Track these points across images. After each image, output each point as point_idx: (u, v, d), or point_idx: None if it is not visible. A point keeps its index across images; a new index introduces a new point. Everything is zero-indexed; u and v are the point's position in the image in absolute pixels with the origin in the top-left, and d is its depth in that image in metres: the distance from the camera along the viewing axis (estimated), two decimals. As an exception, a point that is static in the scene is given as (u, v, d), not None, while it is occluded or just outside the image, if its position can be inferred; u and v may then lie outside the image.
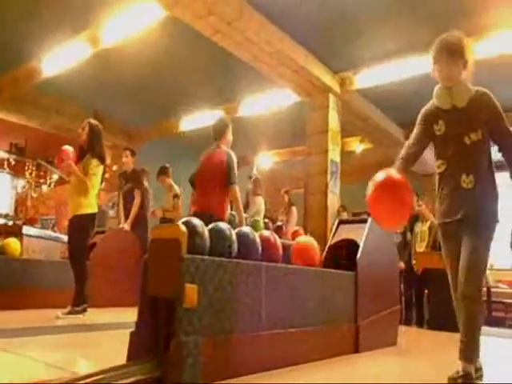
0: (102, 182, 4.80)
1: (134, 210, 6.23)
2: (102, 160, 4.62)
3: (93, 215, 4.56)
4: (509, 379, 2.74)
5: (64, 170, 4.64)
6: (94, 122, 4.80)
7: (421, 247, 6.30)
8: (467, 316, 2.30)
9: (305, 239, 3.31)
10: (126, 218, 6.45)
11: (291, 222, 6.39)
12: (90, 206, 4.51)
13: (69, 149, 4.62)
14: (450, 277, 2.49)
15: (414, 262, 6.37)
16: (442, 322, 3.72)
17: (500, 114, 2.43)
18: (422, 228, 6.41)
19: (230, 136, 4.28)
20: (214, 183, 3.88)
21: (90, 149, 4.61)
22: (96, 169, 4.55)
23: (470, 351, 2.28)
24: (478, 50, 5.58)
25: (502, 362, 3.65)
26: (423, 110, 2.61)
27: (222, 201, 3.87)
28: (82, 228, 4.49)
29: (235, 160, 4.06)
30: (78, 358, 2.74)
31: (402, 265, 6.04)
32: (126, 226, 6.23)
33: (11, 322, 3.92)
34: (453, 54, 2.40)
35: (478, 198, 2.37)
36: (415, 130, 2.61)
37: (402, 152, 2.58)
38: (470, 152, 2.40)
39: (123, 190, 6.68)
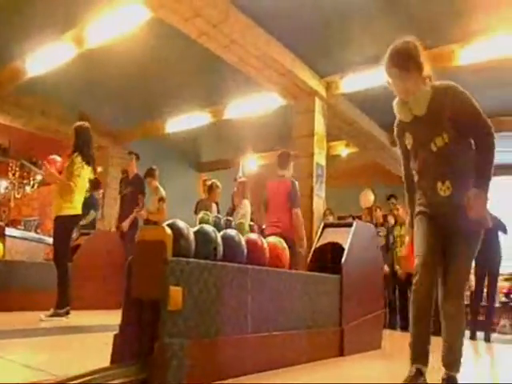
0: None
1: (138, 213, 6.40)
2: (87, 161, 4.55)
3: (75, 217, 4.52)
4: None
5: (48, 179, 4.61)
6: (79, 123, 4.76)
7: (402, 252, 6.38)
8: (454, 328, 2.30)
9: (273, 239, 3.25)
10: (121, 219, 6.53)
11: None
12: (72, 207, 4.46)
13: (56, 158, 4.61)
14: (421, 254, 2.30)
15: (397, 267, 6.43)
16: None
17: (469, 105, 2.22)
18: (400, 232, 6.48)
19: (292, 167, 5.09)
20: (285, 208, 4.73)
21: (75, 149, 4.56)
22: (80, 170, 4.47)
23: (453, 358, 2.29)
24: (465, 55, 5.70)
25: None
26: (395, 125, 2.54)
27: (291, 223, 4.70)
28: (63, 229, 4.45)
29: (297, 187, 4.91)
30: (61, 360, 2.70)
31: (386, 268, 6.09)
32: (125, 224, 6.27)
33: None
34: (404, 67, 2.23)
35: (459, 205, 2.18)
36: (398, 146, 2.58)
37: (405, 183, 2.57)
38: (439, 159, 2.27)
39: (124, 193, 6.74)
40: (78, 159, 4.49)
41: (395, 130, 2.54)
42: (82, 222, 7.07)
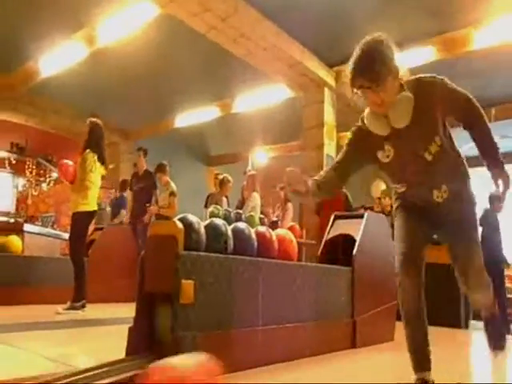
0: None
1: (156, 207, 6.43)
2: (100, 157, 4.61)
3: (90, 213, 4.60)
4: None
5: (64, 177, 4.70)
6: (93, 120, 4.81)
7: None
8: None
9: (282, 231, 3.26)
10: (133, 214, 6.63)
11: (286, 219, 6.41)
12: (88, 203, 4.53)
13: (68, 163, 4.67)
14: (402, 249, 2.06)
15: None
16: (439, 316, 3.74)
17: (458, 92, 1.97)
18: None
19: None
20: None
21: (87, 146, 4.62)
22: (93, 165, 4.53)
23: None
24: (477, 39, 5.61)
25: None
26: (354, 129, 2.17)
27: None
28: (80, 225, 4.54)
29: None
30: (78, 352, 2.77)
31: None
32: (147, 217, 6.43)
33: (13, 317, 3.97)
34: (376, 77, 1.82)
35: (455, 200, 2.04)
36: (340, 155, 2.18)
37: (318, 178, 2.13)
38: (435, 166, 2.00)
39: (135, 189, 6.84)
40: (90, 155, 4.54)
41: (351, 135, 2.16)
42: (115, 221, 7.25)
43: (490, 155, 1.97)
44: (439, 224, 2.13)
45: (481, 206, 5.75)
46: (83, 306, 4.39)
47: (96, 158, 4.57)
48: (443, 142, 1.98)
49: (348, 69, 1.91)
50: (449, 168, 2.04)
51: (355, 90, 1.90)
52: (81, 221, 4.53)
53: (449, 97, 1.96)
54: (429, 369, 2.07)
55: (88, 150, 4.58)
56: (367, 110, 2.04)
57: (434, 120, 1.95)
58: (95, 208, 4.66)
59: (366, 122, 2.05)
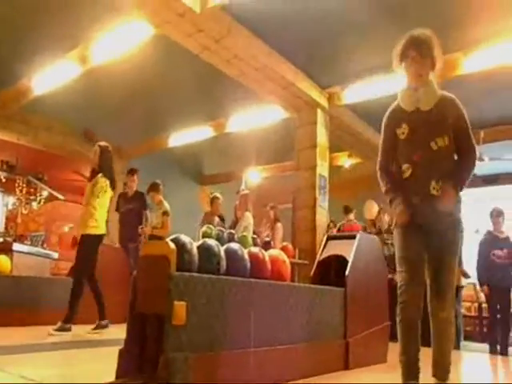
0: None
1: (142, 230, 6.34)
2: (111, 183, 4.72)
3: (99, 236, 4.64)
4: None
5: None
6: (103, 144, 4.88)
7: None
8: (447, 337, 2.29)
9: (275, 252, 3.26)
10: (123, 237, 6.51)
11: (277, 238, 6.40)
12: (97, 226, 4.58)
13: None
14: (407, 271, 2.26)
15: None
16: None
17: (466, 123, 2.33)
18: None
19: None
20: None
21: (100, 170, 4.70)
22: (101, 191, 4.61)
23: (446, 369, 2.28)
24: (468, 63, 5.70)
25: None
26: (386, 113, 2.50)
27: None
28: (87, 248, 4.56)
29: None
30: (68, 375, 2.72)
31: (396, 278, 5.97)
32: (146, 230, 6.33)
33: (3, 339, 3.89)
34: (421, 50, 2.29)
35: (443, 208, 2.22)
36: (383, 137, 2.51)
37: (385, 178, 2.46)
38: (437, 158, 2.27)
39: (123, 210, 6.73)
40: (103, 180, 4.64)
41: (387, 118, 2.48)
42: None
43: (459, 178, 2.30)
44: (429, 238, 2.31)
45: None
46: (69, 330, 4.32)
47: (108, 183, 4.68)
48: (449, 145, 2.29)
49: (399, 45, 2.38)
50: (447, 169, 2.28)
51: (400, 64, 2.36)
52: (88, 243, 4.57)
53: (458, 118, 2.31)
54: (418, 378, 2.21)
55: (101, 175, 4.67)
56: (403, 88, 2.41)
57: (447, 124, 2.29)
58: (104, 231, 4.73)
59: (398, 96, 2.42)
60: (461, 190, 2.29)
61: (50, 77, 6.71)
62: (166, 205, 6.42)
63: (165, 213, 6.28)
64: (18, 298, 5.03)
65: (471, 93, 6.07)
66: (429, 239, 2.29)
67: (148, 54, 6.04)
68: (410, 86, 2.37)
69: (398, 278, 2.31)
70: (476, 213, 6.73)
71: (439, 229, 2.28)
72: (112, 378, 2.10)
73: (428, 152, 2.27)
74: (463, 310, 7.81)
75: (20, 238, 9.03)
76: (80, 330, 4.38)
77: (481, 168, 8.65)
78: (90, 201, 4.58)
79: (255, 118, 7.91)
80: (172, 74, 6.73)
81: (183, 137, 9.01)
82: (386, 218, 6.61)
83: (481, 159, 7.65)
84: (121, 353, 2.22)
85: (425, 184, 2.28)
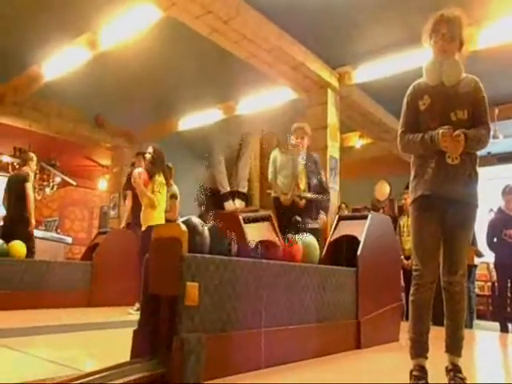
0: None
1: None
2: (165, 180, 5.26)
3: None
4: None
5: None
6: (156, 146, 5.36)
7: (408, 242, 6.05)
8: (458, 312, 2.28)
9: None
10: (132, 220, 6.54)
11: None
12: (159, 218, 5.05)
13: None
14: (422, 256, 2.28)
15: (404, 261, 5.90)
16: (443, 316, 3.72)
17: (485, 104, 2.34)
18: (407, 222, 6.15)
19: None
20: None
21: (157, 170, 5.17)
22: (160, 187, 5.14)
23: (459, 344, 2.27)
24: (482, 38, 5.57)
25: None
26: (409, 88, 2.47)
27: None
28: (148, 240, 4.66)
29: None
30: (83, 356, 2.78)
31: (404, 260, 5.94)
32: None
33: (18, 321, 3.98)
34: (451, 27, 2.34)
35: (464, 174, 2.26)
36: (405, 110, 2.46)
37: (409, 134, 2.38)
38: (455, 129, 2.22)
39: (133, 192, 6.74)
40: (160, 179, 5.16)
41: (410, 93, 2.45)
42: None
43: (473, 134, 2.24)
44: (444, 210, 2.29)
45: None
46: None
47: (164, 181, 5.21)
48: (468, 119, 2.29)
49: (430, 21, 2.40)
50: (465, 142, 2.22)
51: (430, 39, 2.39)
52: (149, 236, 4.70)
53: (478, 100, 2.33)
54: (427, 356, 2.23)
55: (159, 173, 5.19)
56: (428, 61, 2.41)
57: (468, 101, 2.31)
58: (163, 222, 5.02)
59: (423, 69, 2.41)
60: (475, 142, 2.25)
61: (60, 62, 6.72)
62: (175, 188, 6.41)
63: (173, 196, 6.27)
64: (33, 281, 5.13)
65: (485, 69, 5.95)
66: (445, 214, 2.28)
67: (157, 38, 6.01)
68: (436, 60, 2.38)
69: (413, 260, 2.33)
70: (490, 191, 6.65)
71: (457, 200, 2.26)
72: (127, 359, 2.14)
73: (447, 122, 2.27)
74: (477, 290, 7.80)
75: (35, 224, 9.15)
76: (94, 313, 4.45)
77: (495, 146, 8.55)
78: (151, 196, 5.02)
79: (265, 99, 7.85)
80: (181, 57, 6.70)
81: (193, 120, 9.00)
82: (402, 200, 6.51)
83: (495, 137, 7.54)
84: (135, 334, 2.25)
85: (441, 153, 2.27)
